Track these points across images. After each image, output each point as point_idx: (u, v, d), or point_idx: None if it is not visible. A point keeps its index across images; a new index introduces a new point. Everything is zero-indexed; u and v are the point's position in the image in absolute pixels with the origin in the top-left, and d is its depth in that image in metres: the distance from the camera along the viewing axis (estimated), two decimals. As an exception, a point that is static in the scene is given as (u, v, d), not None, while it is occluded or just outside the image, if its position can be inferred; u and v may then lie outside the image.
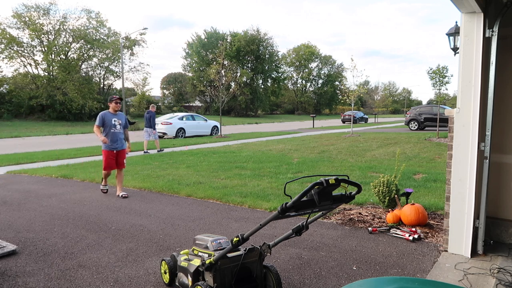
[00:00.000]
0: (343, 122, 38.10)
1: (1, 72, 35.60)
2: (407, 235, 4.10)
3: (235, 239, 2.49)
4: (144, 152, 12.59)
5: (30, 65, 36.91)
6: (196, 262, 2.74)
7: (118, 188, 6.42)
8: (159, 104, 48.30)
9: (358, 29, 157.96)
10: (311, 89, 75.64)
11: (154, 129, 13.49)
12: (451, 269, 3.32)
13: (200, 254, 2.79)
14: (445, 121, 16.44)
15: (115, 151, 6.32)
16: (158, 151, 12.99)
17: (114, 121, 6.29)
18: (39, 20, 35.98)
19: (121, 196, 6.24)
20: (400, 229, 4.28)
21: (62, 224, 4.79)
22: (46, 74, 36.95)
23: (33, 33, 35.29)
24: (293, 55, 72.03)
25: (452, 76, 18.58)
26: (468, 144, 3.50)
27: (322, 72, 74.76)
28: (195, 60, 54.84)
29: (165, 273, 3.11)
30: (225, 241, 2.82)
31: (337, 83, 72.91)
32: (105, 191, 6.54)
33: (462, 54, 3.48)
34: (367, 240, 4.10)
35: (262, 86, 58.32)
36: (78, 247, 3.98)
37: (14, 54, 35.18)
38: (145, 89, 45.67)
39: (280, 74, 62.58)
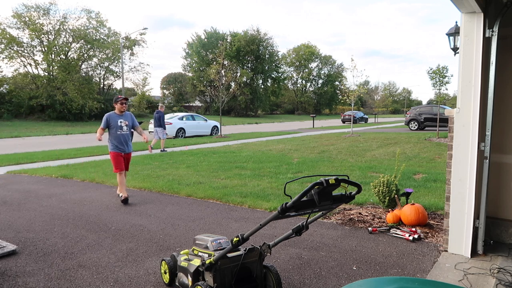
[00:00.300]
0: (343, 122, 38.10)
1: (1, 72, 35.62)
2: (407, 235, 4.10)
3: (235, 239, 2.49)
4: (150, 148, 13.02)
5: (30, 65, 36.95)
6: (196, 262, 2.75)
7: (119, 188, 6.35)
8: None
9: (358, 29, 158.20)
10: (311, 89, 75.67)
11: (165, 128, 13.81)
12: (451, 269, 3.32)
13: (200, 254, 2.79)
14: (445, 121, 16.45)
15: (122, 154, 6.00)
16: (161, 150, 13.13)
17: (120, 122, 5.97)
18: (39, 20, 35.97)
19: (121, 196, 6.19)
20: (400, 229, 4.28)
21: (62, 224, 4.79)
22: (46, 74, 36.92)
23: (33, 33, 35.26)
24: (293, 55, 72.04)
25: (452, 76, 18.61)
26: (468, 144, 3.50)
27: (322, 72, 74.80)
28: (195, 60, 54.83)
29: (165, 273, 3.11)
30: (225, 241, 2.82)
31: (337, 83, 72.91)
32: (124, 200, 5.86)
33: (462, 54, 3.49)
34: (367, 240, 4.09)
35: (262, 86, 58.30)
36: (78, 247, 3.98)
37: (14, 54, 35.16)
38: (145, 89, 45.72)
39: (280, 74, 62.57)
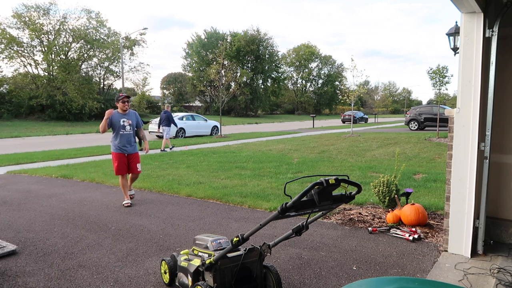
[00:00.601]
0: (343, 122, 38.11)
1: (1, 72, 35.62)
2: (407, 235, 4.10)
3: (235, 239, 2.49)
4: (170, 148, 13.57)
5: (30, 65, 36.93)
6: (196, 262, 2.74)
7: (129, 184, 5.99)
8: (159, 104, 48.36)
9: (358, 29, 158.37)
10: (311, 89, 75.69)
11: (176, 126, 14.15)
12: (451, 269, 3.32)
13: (200, 254, 2.79)
14: (445, 121, 16.45)
15: (126, 154, 5.73)
16: (161, 150, 13.29)
17: (123, 121, 5.64)
18: (39, 20, 35.95)
19: (129, 195, 5.87)
20: (400, 229, 4.28)
21: (62, 224, 4.79)
22: (46, 74, 36.92)
23: (33, 33, 35.25)
24: (293, 55, 72.04)
25: (452, 76, 18.61)
26: (468, 144, 3.50)
27: (322, 72, 74.80)
28: (195, 60, 54.84)
29: (165, 273, 3.11)
30: (225, 241, 2.82)
31: (337, 83, 72.93)
32: (127, 205, 5.68)
33: (462, 54, 3.49)
34: (367, 240, 4.09)
35: (262, 86, 58.30)
36: (78, 247, 3.98)
37: (14, 54, 35.15)
38: (145, 89, 45.75)
39: (280, 74, 62.57)
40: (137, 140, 6.04)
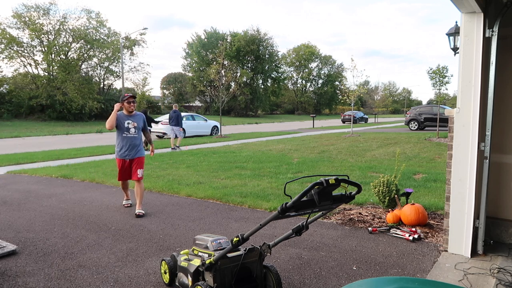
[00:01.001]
0: (343, 122, 38.13)
1: (1, 72, 35.59)
2: (407, 235, 4.10)
3: (235, 239, 2.49)
4: (172, 148, 13.77)
5: (30, 65, 36.91)
6: (196, 262, 2.75)
7: (137, 203, 5.32)
8: (159, 104, 48.34)
9: (358, 29, 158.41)
10: (311, 89, 75.70)
11: (181, 126, 14.67)
12: (451, 269, 3.32)
13: (200, 254, 2.79)
14: (445, 121, 16.45)
15: (127, 160, 5.34)
16: (176, 147, 13.73)
17: (128, 123, 5.25)
18: (39, 20, 35.95)
19: (136, 214, 5.15)
20: (400, 229, 4.28)
21: (62, 224, 4.79)
22: (46, 74, 36.91)
23: (33, 33, 35.24)
24: (293, 55, 72.05)
25: (452, 76, 18.61)
26: (468, 144, 3.50)
27: (322, 72, 74.82)
28: (195, 60, 54.85)
29: (165, 273, 3.11)
30: (225, 241, 2.82)
31: (337, 83, 72.94)
32: (127, 205, 5.65)
33: (462, 54, 3.49)
34: (367, 240, 4.09)
35: (262, 86, 58.32)
36: (78, 247, 3.98)
37: (14, 54, 35.13)
38: (145, 89, 45.60)
39: (280, 74, 62.58)
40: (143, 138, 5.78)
